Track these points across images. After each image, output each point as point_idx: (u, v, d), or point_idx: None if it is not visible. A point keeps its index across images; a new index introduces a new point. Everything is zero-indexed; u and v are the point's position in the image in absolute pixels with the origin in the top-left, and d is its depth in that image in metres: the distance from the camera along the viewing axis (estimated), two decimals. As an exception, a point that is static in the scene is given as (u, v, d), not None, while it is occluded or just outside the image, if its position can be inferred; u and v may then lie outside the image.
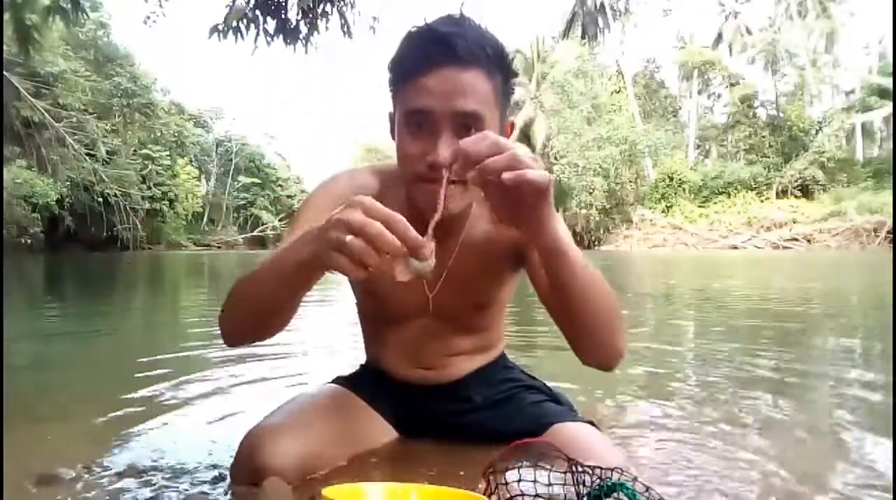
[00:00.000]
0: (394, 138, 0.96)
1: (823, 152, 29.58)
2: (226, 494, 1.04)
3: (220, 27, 5.53)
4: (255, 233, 42.83)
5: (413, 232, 0.68)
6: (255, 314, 0.89)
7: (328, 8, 5.89)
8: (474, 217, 1.05)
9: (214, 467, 1.18)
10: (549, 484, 0.77)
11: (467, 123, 0.88)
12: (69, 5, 6.18)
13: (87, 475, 1.14)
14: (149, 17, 6.68)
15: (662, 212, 30.85)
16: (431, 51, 0.87)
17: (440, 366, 1.16)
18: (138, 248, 27.06)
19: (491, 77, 0.90)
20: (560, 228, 0.82)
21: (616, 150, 30.90)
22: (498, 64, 0.91)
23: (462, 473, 1.04)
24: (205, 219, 41.81)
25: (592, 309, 0.90)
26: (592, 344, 0.95)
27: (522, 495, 0.75)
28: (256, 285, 0.87)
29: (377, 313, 1.18)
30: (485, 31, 0.92)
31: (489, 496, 0.75)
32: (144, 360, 2.57)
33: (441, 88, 0.87)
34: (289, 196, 45.73)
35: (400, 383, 1.17)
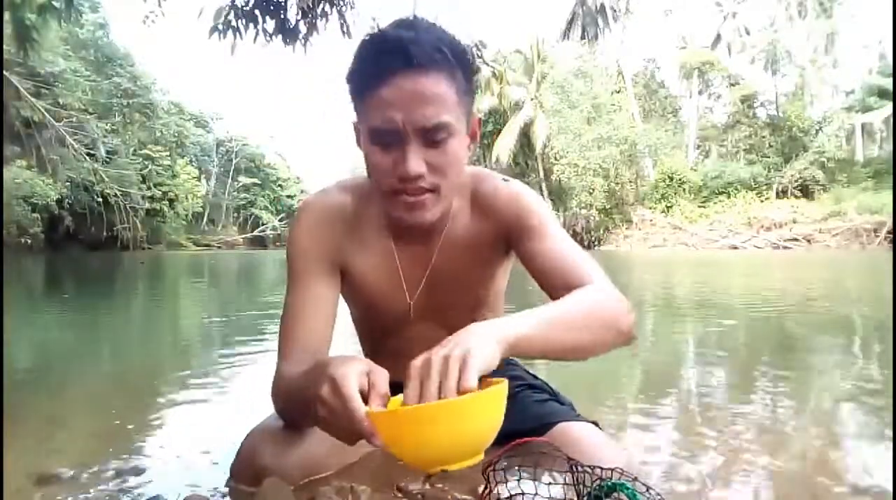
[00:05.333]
0: (360, 147, 0.95)
1: (823, 152, 29.53)
2: (226, 494, 1.04)
3: (220, 27, 5.53)
4: (255, 233, 42.84)
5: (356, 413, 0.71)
6: (298, 416, 0.94)
7: (328, 8, 5.89)
8: (455, 213, 1.04)
9: (215, 467, 1.18)
10: (550, 484, 0.77)
11: (434, 134, 0.87)
12: (62, 4, 6.18)
13: (86, 475, 1.14)
14: (147, 17, 6.66)
15: (662, 212, 30.81)
16: (386, 60, 0.84)
17: None
18: (138, 248, 27.04)
19: (452, 78, 0.87)
20: (510, 327, 0.76)
21: (616, 150, 30.84)
22: (458, 62, 0.87)
23: (462, 471, 1.04)
24: (205, 219, 41.83)
25: (590, 343, 0.86)
26: (600, 353, 0.91)
27: (522, 494, 0.75)
28: (287, 406, 0.95)
29: (371, 322, 1.18)
30: (439, 30, 0.88)
31: (489, 495, 0.75)
32: (145, 359, 2.57)
33: (401, 99, 0.84)
34: (289, 196, 45.77)
35: (400, 386, 1.17)
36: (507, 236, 1.03)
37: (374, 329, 1.18)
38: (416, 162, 0.86)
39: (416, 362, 0.71)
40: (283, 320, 1.01)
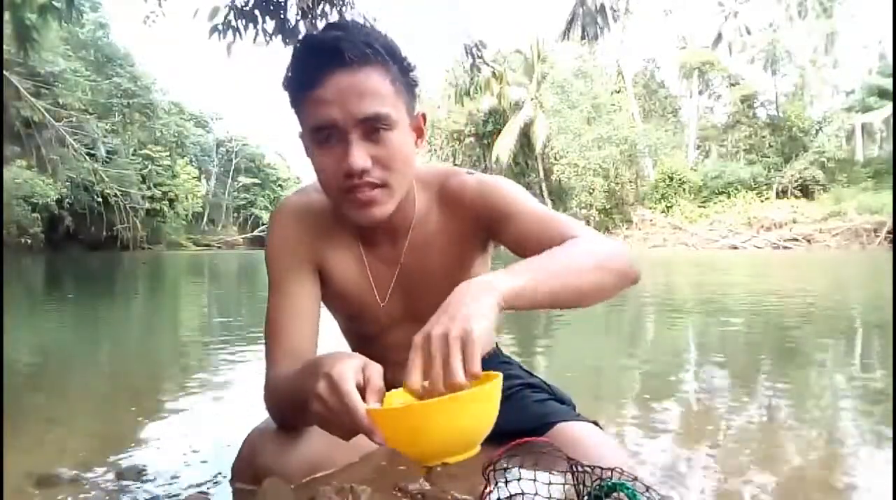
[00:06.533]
0: (309, 157, 0.94)
1: (823, 152, 29.51)
2: (226, 494, 1.04)
3: (220, 27, 5.53)
4: (255, 233, 42.82)
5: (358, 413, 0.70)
6: (292, 417, 0.95)
7: (328, 8, 5.89)
8: (423, 211, 1.03)
9: (215, 467, 1.18)
10: (550, 484, 0.77)
11: (375, 125, 0.87)
12: (63, 4, 6.18)
13: (87, 475, 1.14)
14: (148, 17, 6.67)
15: (662, 212, 30.79)
16: (319, 61, 0.85)
17: None
18: (138, 248, 27.02)
19: (385, 72, 0.87)
20: (504, 282, 0.75)
21: (616, 150, 30.84)
22: (391, 58, 0.88)
23: (462, 471, 1.04)
24: (205, 219, 41.82)
25: (592, 286, 0.84)
26: (606, 296, 0.89)
27: (522, 494, 0.75)
28: (282, 407, 0.95)
29: (349, 326, 1.17)
30: (370, 29, 0.90)
31: (489, 494, 0.75)
32: (145, 360, 2.57)
33: (338, 96, 0.85)
34: (289, 196, 45.67)
35: (388, 385, 1.17)
36: (484, 228, 1.02)
37: (355, 333, 1.18)
38: (359, 155, 0.86)
39: (417, 340, 0.70)
40: (268, 323, 1.01)
